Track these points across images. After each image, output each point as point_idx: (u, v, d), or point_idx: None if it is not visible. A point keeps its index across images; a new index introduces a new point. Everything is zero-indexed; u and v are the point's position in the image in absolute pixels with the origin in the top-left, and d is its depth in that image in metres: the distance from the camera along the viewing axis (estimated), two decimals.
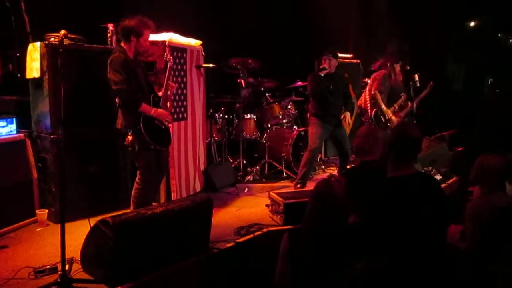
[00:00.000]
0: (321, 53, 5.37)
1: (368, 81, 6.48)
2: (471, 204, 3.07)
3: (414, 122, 5.81)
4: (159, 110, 3.83)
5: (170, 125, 4.04)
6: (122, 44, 3.79)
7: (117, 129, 3.88)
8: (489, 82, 9.35)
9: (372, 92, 5.88)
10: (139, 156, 3.79)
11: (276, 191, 4.48)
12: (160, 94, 3.95)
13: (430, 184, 2.74)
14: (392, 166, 2.70)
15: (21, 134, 4.21)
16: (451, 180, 5.73)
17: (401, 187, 2.62)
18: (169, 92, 4.07)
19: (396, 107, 5.94)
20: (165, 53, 4.16)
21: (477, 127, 7.63)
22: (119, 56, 3.68)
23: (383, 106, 5.85)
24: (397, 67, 6.06)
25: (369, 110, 5.94)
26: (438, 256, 2.58)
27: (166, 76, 3.99)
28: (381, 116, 5.85)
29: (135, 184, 3.86)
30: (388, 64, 5.99)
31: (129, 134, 3.73)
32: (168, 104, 4.25)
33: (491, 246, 2.85)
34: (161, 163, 4.04)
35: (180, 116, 4.76)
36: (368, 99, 5.97)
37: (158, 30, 4.66)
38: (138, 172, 3.86)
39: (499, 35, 9.50)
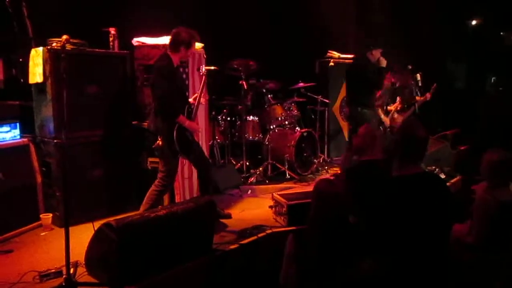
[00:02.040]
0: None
1: None
2: (477, 199, 3.09)
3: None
4: (192, 122, 4.00)
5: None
6: (168, 53, 3.95)
7: (147, 130, 4.20)
8: (492, 80, 9.33)
9: None
10: (165, 161, 3.93)
11: (279, 192, 4.49)
12: (191, 101, 4.14)
13: (436, 183, 2.74)
14: (398, 165, 2.70)
15: (25, 139, 4.23)
16: (455, 179, 5.73)
17: (408, 186, 2.62)
18: (202, 104, 4.29)
19: (395, 113, 6.00)
20: (201, 67, 4.33)
21: (479, 126, 7.61)
22: (168, 65, 3.88)
23: (382, 116, 5.94)
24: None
25: None
26: (442, 255, 2.58)
27: (200, 90, 4.18)
28: (381, 126, 5.93)
29: (153, 186, 3.96)
30: (397, 79, 6.05)
31: (159, 139, 3.90)
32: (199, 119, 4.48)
33: (496, 240, 2.87)
34: (202, 156, 4.25)
35: None
36: None
37: (159, 34, 4.70)
38: (159, 175, 3.97)
39: (501, 33, 9.47)
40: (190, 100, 4.20)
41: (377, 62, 5.50)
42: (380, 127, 5.93)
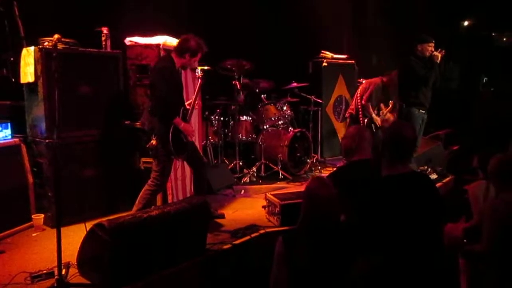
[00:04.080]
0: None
1: (363, 81, 6.51)
2: (488, 204, 3.07)
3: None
4: (187, 125, 3.99)
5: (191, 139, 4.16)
6: (172, 55, 3.96)
7: (142, 129, 4.18)
8: (484, 81, 9.39)
9: (363, 102, 5.97)
10: (159, 160, 3.92)
11: (272, 192, 4.49)
12: (187, 106, 4.12)
13: (424, 183, 2.76)
14: (387, 165, 2.72)
15: (16, 139, 4.19)
16: (447, 179, 5.76)
17: (396, 186, 2.63)
18: (196, 108, 4.29)
19: (386, 113, 6.03)
20: (197, 70, 4.30)
21: (472, 126, 7.66)
22: (170, 67, 3.89)
23: (374, 115, 5.96)
24: None
25: (361, 119, 6.03)
26: (434, 254, 2.59)
27: (196, 93, 4.18)
28: (372, 124, 5.94)
29: (146, 185, 3.96)
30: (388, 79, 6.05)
31: (153, 138, 3.88)
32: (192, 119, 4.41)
33: (508, 244, 2.82)
34: (196, 155, 4.25)
35: None
36: (359, 107, 6.05)
37: (152, 33, 4.68)
38: (152, 175, 3.97)
39: (493, 34, 9.54)
40: (186, 103, 4.19)
41: (431, 57, 5.42)
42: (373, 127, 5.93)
